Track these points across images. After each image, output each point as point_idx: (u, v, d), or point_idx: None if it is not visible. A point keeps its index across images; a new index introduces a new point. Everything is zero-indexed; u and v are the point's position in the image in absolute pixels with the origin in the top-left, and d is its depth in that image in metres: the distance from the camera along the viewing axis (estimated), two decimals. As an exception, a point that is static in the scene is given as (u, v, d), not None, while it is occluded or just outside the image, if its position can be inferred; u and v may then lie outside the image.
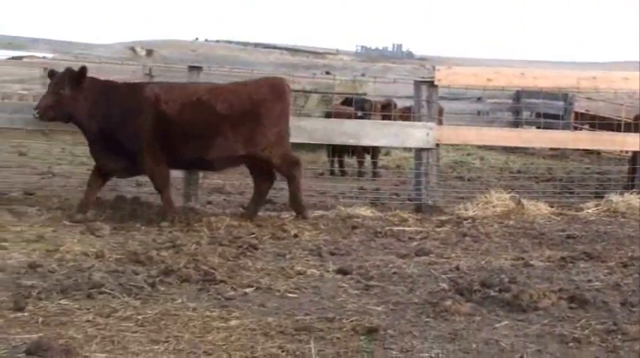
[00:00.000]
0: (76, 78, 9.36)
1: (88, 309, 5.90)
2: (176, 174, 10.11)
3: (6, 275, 6.73)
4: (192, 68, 10.80)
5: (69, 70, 9.47)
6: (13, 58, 28.15)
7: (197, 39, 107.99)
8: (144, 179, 11.42)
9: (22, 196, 10.82)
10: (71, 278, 6.62)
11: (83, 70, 9.42)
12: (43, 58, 26.63)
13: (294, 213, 9.92)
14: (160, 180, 9.61)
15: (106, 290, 6.30)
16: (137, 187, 11.82)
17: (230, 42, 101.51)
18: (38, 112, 9.42)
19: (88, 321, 5.66)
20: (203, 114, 9.48)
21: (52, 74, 9.55)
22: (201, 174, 10.96)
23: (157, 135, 9.43)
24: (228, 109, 9.55)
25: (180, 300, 6.25)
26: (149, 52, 11.47)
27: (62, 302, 6.05)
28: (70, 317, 5.73)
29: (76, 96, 9.34)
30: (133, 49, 11.52)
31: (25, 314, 5.78)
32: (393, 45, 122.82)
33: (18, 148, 17.03)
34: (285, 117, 9.90)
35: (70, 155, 16.87)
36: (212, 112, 9.50)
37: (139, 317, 5.79)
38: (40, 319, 5.68)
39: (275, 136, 9.71)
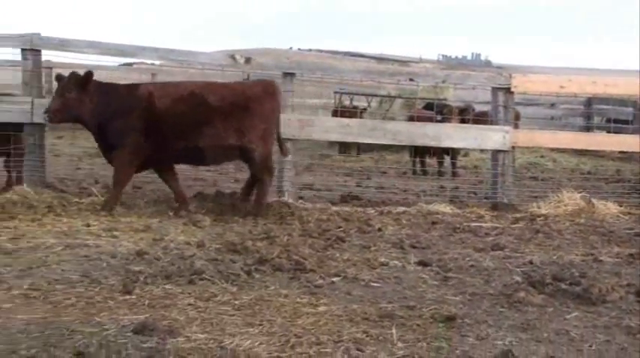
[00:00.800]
0: (82, 82, 9.36)
1: (189, 294, 5.97)
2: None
3: (116, 262, 6.83)
4: (286, 74, 10.85)
5: (74, 75, 9.45)
6: (124, 64, 28.59)
7: (291, 48, 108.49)
8: (242, 176, 11.51)
9: (131, 190, 10.99)
10: (175, 265, 6.69)
11: (89, 74, 9.43)
12: (151, 64, 27.03)
13: (378, 209, 9.91)
14: (120, 177, 9.48)
15: (206, 277, 6.35)
16: (235, 183, 11.93)
17: (321, 51, 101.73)
18: (48, 115, 9.46)
19: (190, 305, 5.72)
20: (195, 106, 9.44)
21: (59, 78, 9.53)
22: (293, 171, 11.00)
23: (150, 129, 9.36)
24: (220, 101, 9.49)
25: (273, 287, 6.28)
26: (247, 60, 11.55)
27: (166, 286, 6.12)
28: (173, 301, 5.79)
29: (82, 99, 9.36)
30: (232, 57, 11.60)
31: (133, 297, 5.86)
32: (472, 54, 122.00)
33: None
34: (274, 117, 9.81)
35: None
36: (204, 104, 9.45)
37: (236, 301, 5.84)
38: (147, 302, 5.75)
39: (262, 132, 9.61)
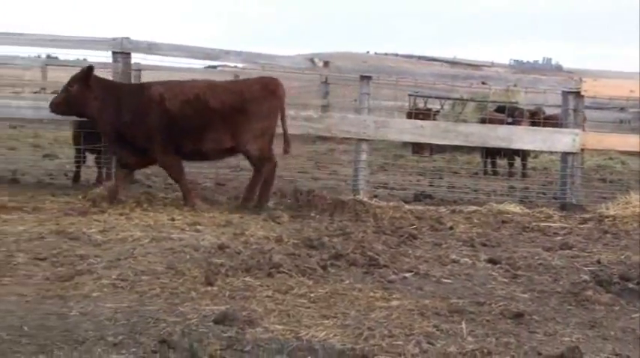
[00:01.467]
0: (83, 77, 9.38)
1: (268, 286, 5.99)
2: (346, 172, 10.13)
3: (199, 254, 6.89)
4: (363, 77, 10.83)
5: (80, 70, 9.54)
6: (209, 66, 28.87)
7: (368, 52, 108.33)
8: (320, 174, 11.53)
9: (214, 187, 11.10)
10: (254, 258, 6.72)
11: (88, 69, 9.45)
12: (234, 67, 27.24)
13: (450, 208, 9.86)
14: (174, 172, 9.51)
15: (284, 270, 6.37)
16: (313, 181, 11.96)
17: (397, 54, 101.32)
18: (50, 107, 9.62)
19: (268, 296, 5.74)
20: (197, 109, 9.27)
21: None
22: (368, 170, 10.99)
23: (161, 128, 9.27)
24: (219, 105, 9.33)
25: (347, 281, 6.27)
26: (326, 63, 11.55)
27: (246, 279, 6.15)
28: (253, 293, 5.82)
29: (85, 94, 9.34)
30: (312, 60, 11.63)
31: (215, 288, 5.90)
32: (544, 58, 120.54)
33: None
34: (274, 114, 9.58)
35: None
36: (205, 107, 9.29)
37: (312, 294, 5.84)
38: (227, 293, 5.79)
39: (260, 131, 9.44)
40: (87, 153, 11.21)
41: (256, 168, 9.52)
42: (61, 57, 22.96)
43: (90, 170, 11.42)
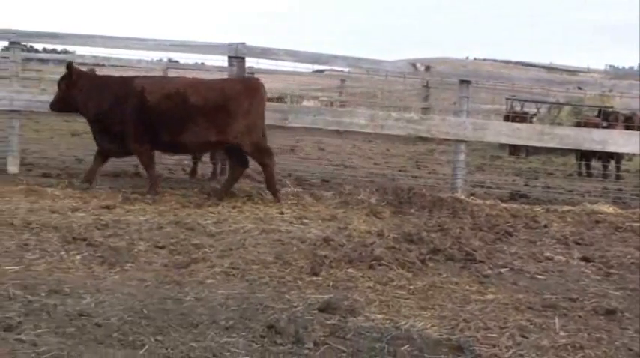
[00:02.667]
0: (67, 75, 9.62)
1: (369, 278, 5.98)
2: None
3: (305, 246, 6.92)
4: (462, 82, 10.70)
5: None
6: (317, 71, 29.03)
7: (467, 57, 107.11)
8: (420, 172, 11.46)
9: (320, 183, 11.13)
10: (357, 251, 6.72)
11: (68, 67, 9.68)
12: (341, 71, 27.34)
13: (544, 207, 9.68)
14: (143, 159, 9.60)
15: (385, 263, 6.35)
16: (413, 180, 11.90)
17: (495, 60, 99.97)
18: (50, 107, 9.88)
19: (369, 287, 5.73)
20: (180, 104, 9.27)
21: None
22: (466, 170, 10.88)
23: (140, 120, 9.33)
24: (202, 101, 9.27)
25: (445, 275, 6.22)
26: (427, 68, 11.48)
27: (349, 270, 6.16)
28: (355, 283, 5.82)
29: (71, 89, 9.58)
30: (414, 65, 11.56)
31: (319, 278, 5.93)
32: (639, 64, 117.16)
33: (318, 144, 17.55)
34: (256, 112, 9.44)
35: (359, 150, 17.21)
36: (187, 103, 9.26)
37: (411, 286, 5.81)
38: (331, 283, 5.81)
39: (245, 127, 9.31)
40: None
41: (259, 162, 9.52)
42: (182, 61, 23.42)
43: (205, 165, 11.59)
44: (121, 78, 9.83)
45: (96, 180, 9.59)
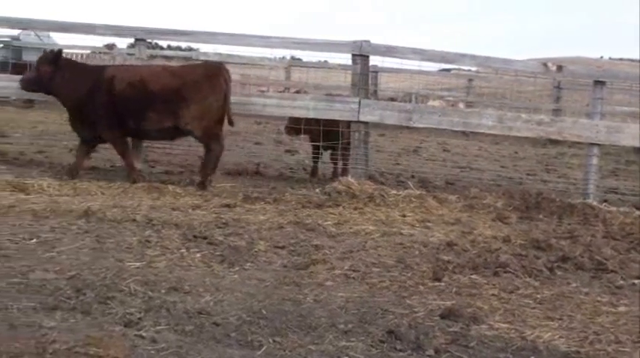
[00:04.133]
0: (53, 58, 9.79)
1: (493, 285, 5.90)
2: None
3: (428, 250, 6.88)
4: (596, 82, 10.43)
5: (50, 51, 10.01)
6: (443, 69, 28.80)
7: (602, 57, 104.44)
8: (549, 177, 11.21)
9: (444, 185, 11.05)
10: (481, 257, 6.64)
11: (59, 51, 9.89)
12: (468, 70, 27.05)
13: None
14: (117, 146, 9.91)
15: (510, 270, 6.25)
16: (542, 184, 11.66)
17: (632, 60, 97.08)
18: (20, 84, 10.02)
19: (494, 295, 5.65)
20: (140, 91, 9.58)
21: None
22: (598, 175, 10.59)
23: (106, 105, 9.62)
24: (160, 88, 9.57)
25: (574, 285, 6.07)
26: (559, 68, 11.21)
27: (472, 276, 6.09)
28: (479, 290, 5.75)
29: (54, 74, 9.74)
30: (545, 65, 11.31)
31: (442, 283, 5.88)
32: None
33: (443, 145, 17.44)
34: (214, 97, 9.67)
35: (486, 152, 17.01)
36: (146, 90, 9.58)
37: (538, 295, 5.70)
38: (454, 289, 5.75)
39: (199, 112, 9.58)
40: (323, 150, 11.45)
41: (206, 145, 9.82)
42: (305, 59, 23.60)
43: (326, 165, 11.66)
44: (96, 67, 10.49)
45: (78, 173, 9.89)
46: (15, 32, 22.54)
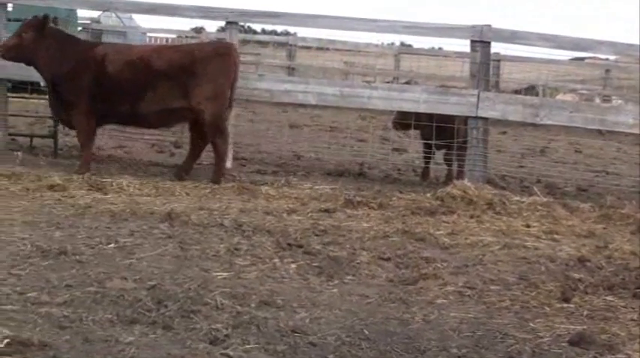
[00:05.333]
0: (39, 25, 9.82)
1: (633, 308, 5.77)
2: None
3: (555, 266, 6.78)
4: None
5: (35, 18, 9.93)
6: (575, 58, 28.31)
7: None
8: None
9: (575, 192, 10.88)
10: (618, 275, 6.51)
11: (45, 18, 9.85)
12: (606, 59, 26.57)
13: None
14: (82, 134, 9.98)
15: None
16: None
17: None
18: (0, 51, 9.94)
19: (632, 320, 5.52)
20: (139, 70, 9.67)
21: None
22: None
23: (95, 90, 9.68)
24: (165, 65, 9.65)
25: None
26: None
27: (608, 298, 5.97)
28: (615, 314, 5.64)
29: (37, 42, 9.78)
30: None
31: (571, 305, 5.78)
32: None
33: (574, 145, 17.17)
34: (223, 78, 9.75)
35: (625, 155, 16.67)
36: (148, 68, 9.65)
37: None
38: (585, 312, 5.65)
39: (211, 92, 9.67)
40: (436, 149, 11.39)
41: (212, 138, 9.89)
42: (416, 45, 23.57)
43: (439, 166, 11.61)
44: (86, 42, 10.81)
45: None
46: (95, 14, 23.14)
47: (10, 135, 11.74)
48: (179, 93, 9.74)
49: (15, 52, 10.02)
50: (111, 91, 9.74)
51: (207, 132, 9.92)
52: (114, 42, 13.79)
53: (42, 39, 9.90)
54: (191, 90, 9.71)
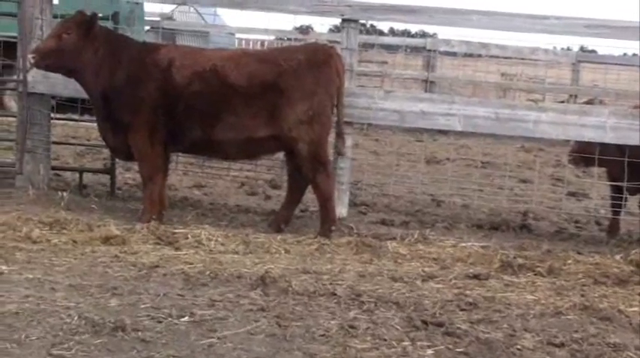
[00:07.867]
0: (84, 23, 9.68)
1: None
2: None
3: None
4: None
5: (79, 13, 9.79)
6: None
7: None
8: None
9: None
10: None
11: (94, 16, 9.73)
12: None
13: None
14: (146, 165, 9.81)
15: None
16: None
17: None
18: (34, 57, 9.73)
19: None
20: (213, 86, 9.50)
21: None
22: None
23: (160, 106, 9.58)
24: (243, 78, 9.47)
25: None
26: None
27: None
28: None
29: (83, 44, 9.70)
30: None
31: None
32: None
33: None
34: (323, 94, 9.54)
35: None
36: (222, 81, 9.47)
37: None
38: None
39: (305, 114, 9.43)
40: (629, 194, 11.25)
41: (311, 176, 9.74)
42: (601, 51, 23.34)
43: (634, 218, 11.46)
44: (146, 44, 10.61)
45: None
46: (168, 9, 23.42)
47: (53, 169, 11.87)
48: (263, 116, 9.69)
49: (53, 59, 9.97)
50: (178, 109, 9.76)
51: (302, 168, 9.87)
52: (182, 44, 13.66)
53: (88, 41, 9.90)
54: (279, 112, 9.66)
